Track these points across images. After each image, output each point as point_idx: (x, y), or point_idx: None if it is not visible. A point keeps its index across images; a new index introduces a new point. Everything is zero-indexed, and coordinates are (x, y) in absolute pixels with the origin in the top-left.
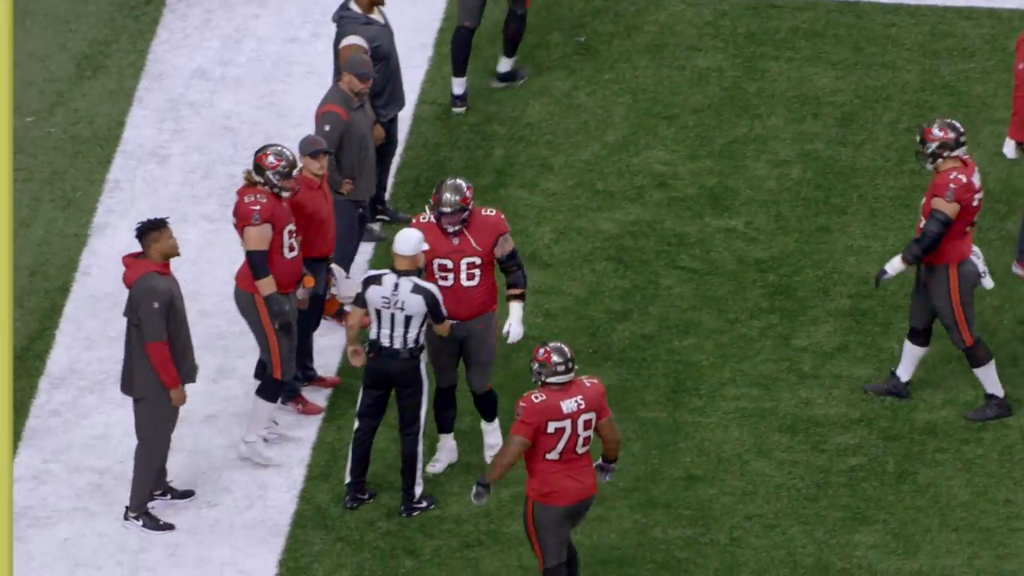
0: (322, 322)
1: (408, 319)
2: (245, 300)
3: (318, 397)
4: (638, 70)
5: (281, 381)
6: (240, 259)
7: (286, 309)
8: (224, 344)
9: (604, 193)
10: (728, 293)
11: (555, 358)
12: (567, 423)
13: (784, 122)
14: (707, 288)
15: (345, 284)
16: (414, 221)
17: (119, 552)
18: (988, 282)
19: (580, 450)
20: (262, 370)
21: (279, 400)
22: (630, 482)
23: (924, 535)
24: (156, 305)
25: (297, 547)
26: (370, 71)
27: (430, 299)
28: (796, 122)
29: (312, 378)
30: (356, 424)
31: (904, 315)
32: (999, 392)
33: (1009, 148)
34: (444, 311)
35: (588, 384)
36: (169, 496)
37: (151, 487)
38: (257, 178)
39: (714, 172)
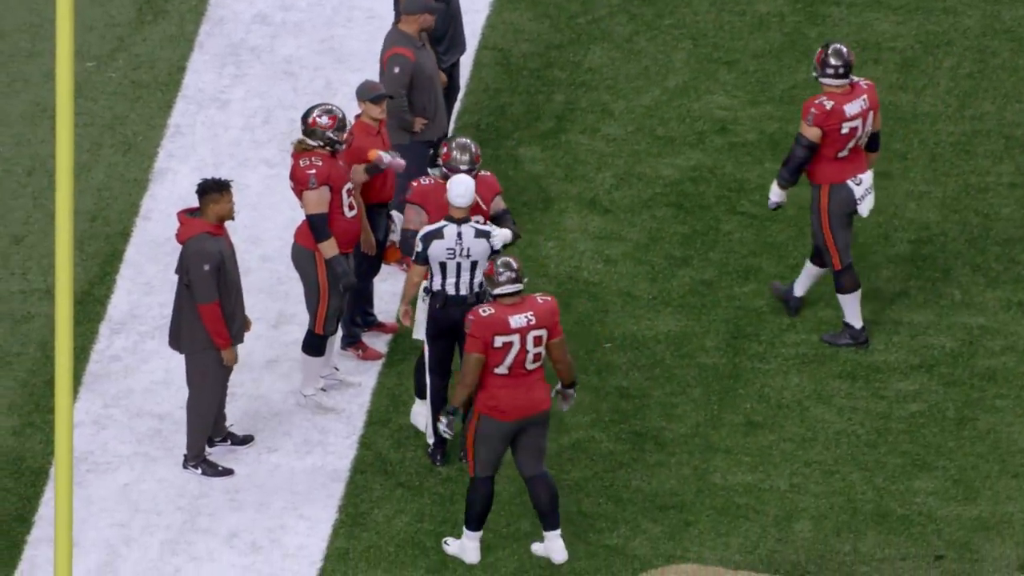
0: (383, 268)
1: (474, 264)
2: (303, 256)
3: (378, 343)
4: (699, 15)
5: (323, 336)
6: (298, 215)
7: (349, 270)
8: (284, 289)
9: (664, 139)
10: (788, 239)
11: (499, 269)
12: (515, 337)
13: None
14: (767, 234)
15: None
16: (415, 184)
17: (179, 497)
18: (863, 210)
19: (530, 366)
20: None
21: (338, 346)
22: (690, 428)
23: (984, 481)
24: (207, 267)
25: (357, 493)
26: (435, 5)
27: (491, 238)
28: (857, 68)
29: (372, 324)
30: (429, 380)
31: (964, 261)
32: (857, 323)
33: None
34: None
35: (540, 300)
36: (229, 442)
37: (206, 435)
38: (312, 143)
39: (775, 117)
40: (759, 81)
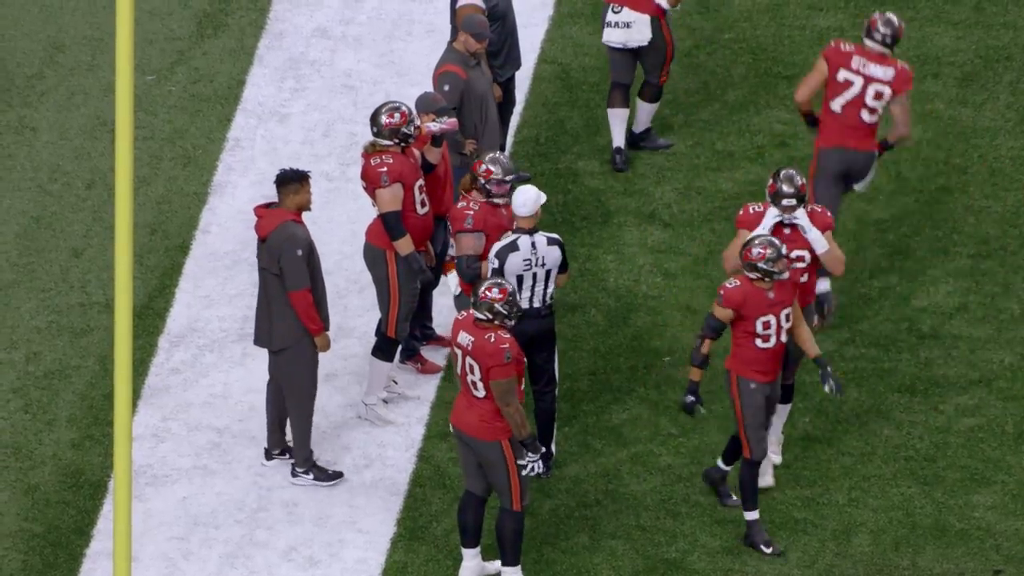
0: (442, 281)
1: (548, 273)
2: (375, 255)
3: (437, 356)
4: (758, 29)
5: (395, 340)
6: (362, 217)
7: (425, 267)
8: (343, 303)
9: (724, 153)
10: (847, 253)
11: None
12: (458, 351)
13: None
14: None
15: None
16: (469, 212)
17: (237, 511)
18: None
19: (471, 385)
20: (379, 329)
21: (397, 359)
22: None
23: None
24: (299, 252)
25: (415, 506)
26: (486, 31)
27: (562, 245)
28: (916, 81)
29: (431, 337)
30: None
31: None
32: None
33: None
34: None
35: (490, 338)
36: (288, 456)
37: (310, 435)
38: (384, 143)
39: None
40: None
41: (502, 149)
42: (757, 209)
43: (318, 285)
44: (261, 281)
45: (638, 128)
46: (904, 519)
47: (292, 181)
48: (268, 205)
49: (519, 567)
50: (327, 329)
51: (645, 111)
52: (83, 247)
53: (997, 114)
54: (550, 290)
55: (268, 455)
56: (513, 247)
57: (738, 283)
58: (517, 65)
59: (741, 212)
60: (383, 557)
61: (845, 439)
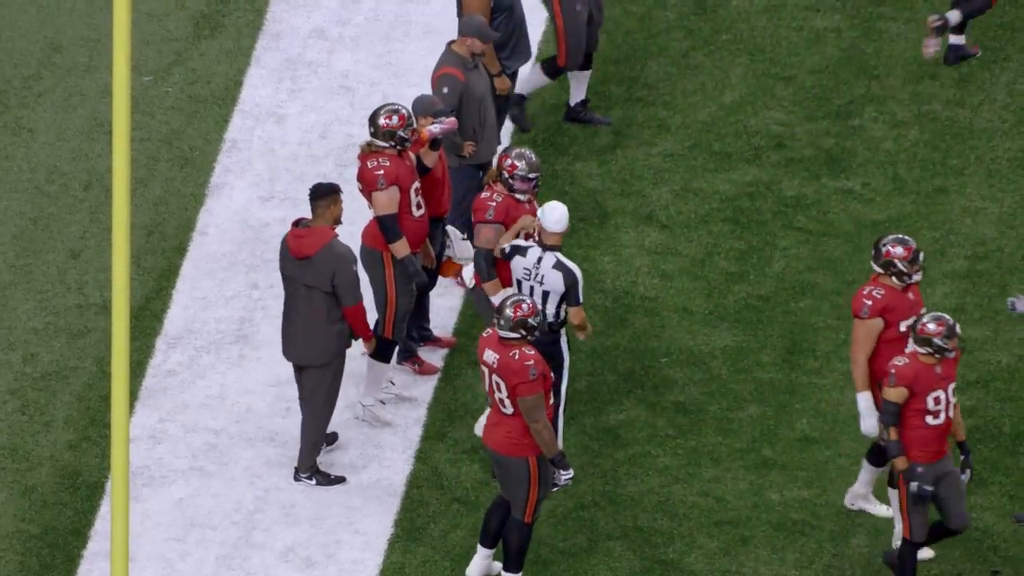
0: (439, 282)
1: (545, 294)
2: (372, 257)
3: (434, 357)
4: (756, 31)
5: (392, 341)
6: (359, 219)
7: (421, 270)
8: None
9: (721, 154)
10: (844, 255)
11: (505, 306)
12: (484, 369)
13: (902, 83)
14: (824, 249)
15: (461, 245)
16: (492, 204)
17: (234, 512)
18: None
19: (498, 403)
20: (375, 331)
21: (394, 360)
22: (746, 443)
23: None
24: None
25: (412, 507)
26: (489, 31)
27: (569, 278)
28: (914, 83)
29: (428, 338)
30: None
31: (1021, 277)
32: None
33: None
34: (580, 296)
35: (515, 355)
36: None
37: (321, 448)
38: (382, 144)
39: (831, 133)
40: (816, 97)
41: (499, 143)
42: (877, 296)
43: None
44: (300, 297)
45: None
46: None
47: (330, 193)
48: (298, 223)
49: (520, 574)
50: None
51: (574, 80)
52: (80, 248)
53: (994, 115)
54: (550, 311)
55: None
56: (523, 252)
57: (907, 360)
58: (527, 57)
59: (871, 303)
60: (380, 558)
61: (842, 440)
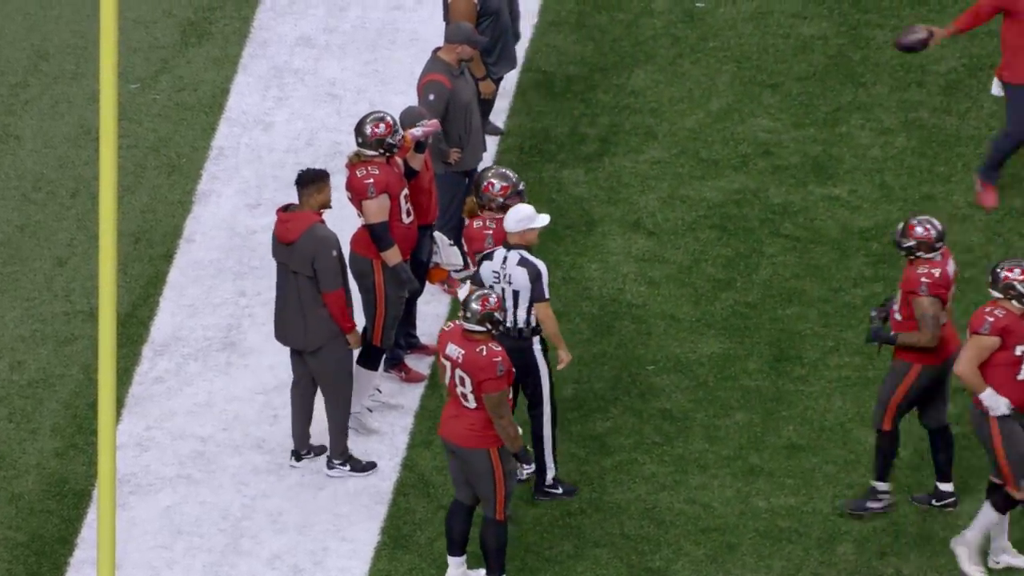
0: (426, 289)
1: (516, 294)
2: (362, 264)
3: (421, 365)
4: (742, 38)
5: (381, 348)
6: (348, 225)
7: (413, 277)
8: None
9: (708, 161)
10: (831, 262)
11: (472, 299)
12: (447, 363)
13: (888, 90)
14: (811, 257)
15: (448, 251)
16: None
17: (221, 520)
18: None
19: (460, 396)
20: (364, 337)
21: (381, 368)
22: (732, 451)
23: None
24: (335, 253)
25: (399, 515)
26: (476, 36)
27: (533, 272)
28: (900, 90)
29: (415, 346)
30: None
31: None
32: None
33: (996, 87)
34: (546, 290)
35: (482, 351)
36: (313, 455)
37: (348, 430)
38: (371, 153)
39: (818, 140)
40: (803, 104)
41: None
42: (999, 315)
43: (346, 284)
44: (287, 283)
45: None
46: (888, 527)
47: (316, 179)
48: (286, 208)
49: None
50: (356, 327)
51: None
52: (67, 256)
53: (981, 122)
54: (520, 314)
55: (297, 456)
56: (489, 256)
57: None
58: (512, 64)
59: (992, 320)
60: (367, 565)
61: (829, 448)
